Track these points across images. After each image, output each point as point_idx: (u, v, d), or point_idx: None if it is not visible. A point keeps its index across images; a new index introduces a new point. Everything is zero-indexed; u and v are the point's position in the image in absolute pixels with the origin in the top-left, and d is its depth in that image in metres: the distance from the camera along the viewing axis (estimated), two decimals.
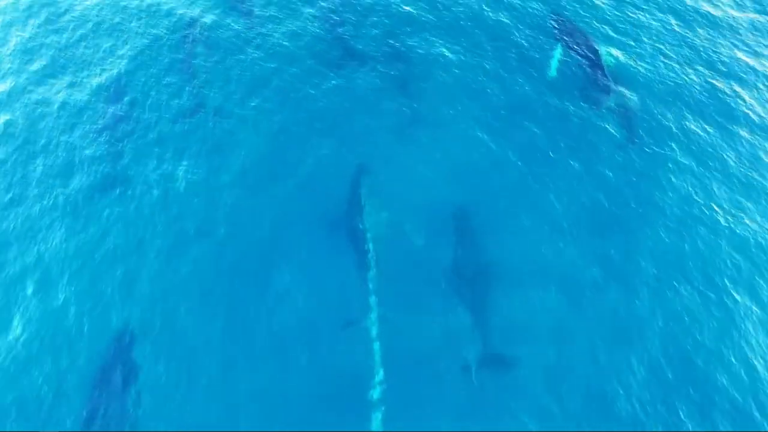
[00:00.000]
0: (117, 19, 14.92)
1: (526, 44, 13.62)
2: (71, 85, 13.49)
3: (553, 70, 12.98)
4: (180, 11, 14.86)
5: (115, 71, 13.60)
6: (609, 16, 14.30)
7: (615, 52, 13.28)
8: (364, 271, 10.10)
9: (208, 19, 14.49)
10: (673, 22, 14.17)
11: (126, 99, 13.00)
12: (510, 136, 12.03)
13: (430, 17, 14.39)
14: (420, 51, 13.58)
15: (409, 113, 12.49)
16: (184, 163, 11.84)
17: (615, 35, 13.78)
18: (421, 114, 12.46)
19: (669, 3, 14.75)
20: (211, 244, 10.64)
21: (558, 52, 13.28)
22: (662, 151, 11.63)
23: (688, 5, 14.60)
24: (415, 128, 12.23)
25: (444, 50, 13.62)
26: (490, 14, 14.32)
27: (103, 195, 11.49)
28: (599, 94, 12.48)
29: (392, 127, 12.29)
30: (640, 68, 13.07)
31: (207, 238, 10.71)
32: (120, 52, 14.06)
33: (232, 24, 14.42)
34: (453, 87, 12.93)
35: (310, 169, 11.60)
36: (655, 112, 12.29)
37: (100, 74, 13.65)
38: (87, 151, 12.19)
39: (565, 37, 13.55)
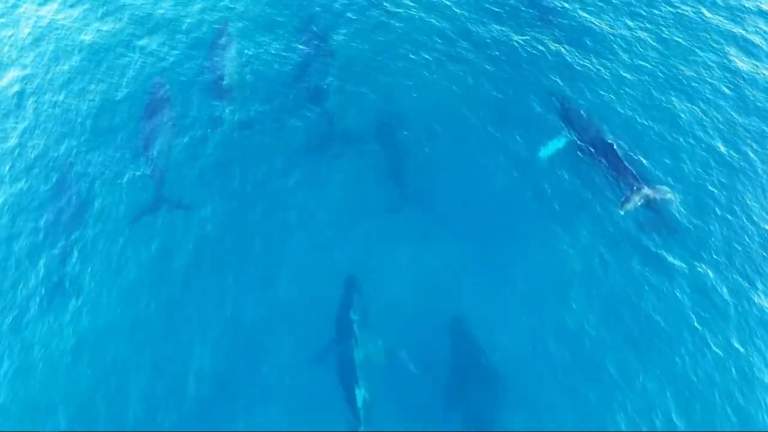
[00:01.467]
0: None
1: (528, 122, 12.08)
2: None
3: (547, 150, 11.49)
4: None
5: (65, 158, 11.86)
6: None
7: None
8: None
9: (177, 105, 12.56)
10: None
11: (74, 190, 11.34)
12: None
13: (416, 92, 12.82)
14: (406, 129, 12.10)
15: (398, 202, 10.99)
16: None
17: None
18: (411, 202, 10.98)
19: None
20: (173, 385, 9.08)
21: (560, 139, 11.67)
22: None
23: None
24: (406, 222, 10.77)
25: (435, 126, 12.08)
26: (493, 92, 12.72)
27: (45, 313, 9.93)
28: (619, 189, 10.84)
29: (382, 223, 10.80)
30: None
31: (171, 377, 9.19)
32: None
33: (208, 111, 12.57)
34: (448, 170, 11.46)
35: (289, 287, 10.01)
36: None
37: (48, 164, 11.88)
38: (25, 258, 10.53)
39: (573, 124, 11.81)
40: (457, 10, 14.19)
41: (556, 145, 11.47)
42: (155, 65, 13.16)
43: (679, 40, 13.42)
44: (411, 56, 13.27)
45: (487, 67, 13.04)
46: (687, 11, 14.10)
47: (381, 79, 12.99)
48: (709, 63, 12.92)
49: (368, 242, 10.61)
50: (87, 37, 14.03)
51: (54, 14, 14.74)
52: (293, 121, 12.22)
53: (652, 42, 13.49)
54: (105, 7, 14.83)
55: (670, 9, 14.22)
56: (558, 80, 12.63)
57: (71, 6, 14.90)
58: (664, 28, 13.78)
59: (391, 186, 11.31)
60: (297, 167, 11.49)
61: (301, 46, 13.48)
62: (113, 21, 14.44)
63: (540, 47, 13.26)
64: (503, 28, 13.76)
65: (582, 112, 11.91)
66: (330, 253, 10.44)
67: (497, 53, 13.26)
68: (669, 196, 10.52)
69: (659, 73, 12.77)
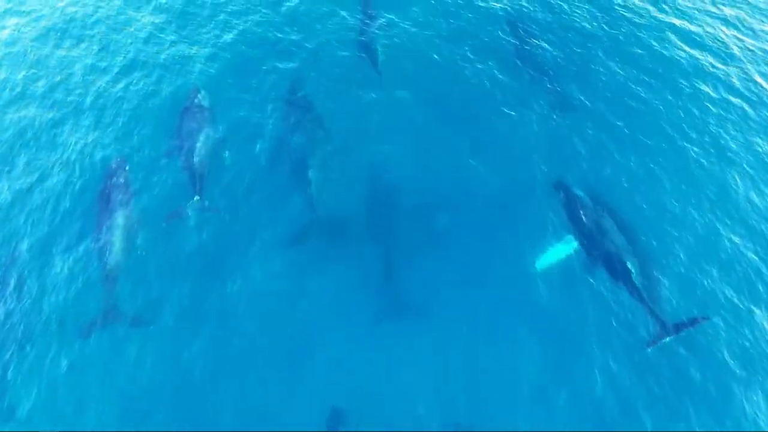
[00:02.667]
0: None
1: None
2: None
3: (548, 259, 9.79)
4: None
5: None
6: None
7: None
8: None
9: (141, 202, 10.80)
10: None
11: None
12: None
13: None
14: (397, 218, 10.66)
15: (387, 307, 9.51)
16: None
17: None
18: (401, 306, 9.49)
19: None
20: None
21: (565, 246, 10.00)
22: None
23: None
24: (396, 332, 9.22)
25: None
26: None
27: None
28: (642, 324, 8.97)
29: (369, 333, 9.27)
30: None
31: None
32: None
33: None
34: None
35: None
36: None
37: None
38: None
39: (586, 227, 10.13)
40: (453, 85, 12.67)
41: (559, 252, 9.80)
42: (111, 142, 11.55)
43: (730, 140, 11.55)
44: (402, 132, 11.78)
45: (483, 146, 11.52)
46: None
47: (373, 158, 11.49)
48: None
49: (353, 359, 9.02)
50: (27, 112, 12.44)
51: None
52: (272, 207, 10.64)
53: (694, 127, 11.74)
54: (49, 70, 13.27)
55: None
56: (566, 169, 11.05)
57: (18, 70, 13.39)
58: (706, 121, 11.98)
59: (379, 288, 9.77)
60: (272, 267, 9.91)
61: (283, 116, 11.96)
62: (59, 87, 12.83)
63: (549, 127, 11.79)
64: (506, 102, 12.26)
65: (592, 212, 10.21)
66: (308, 379, 8.80)
67: (496, 131, 11.77)
68: (704, 323, 8.86)
69: (699, 172, 10.96)
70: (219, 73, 12.66)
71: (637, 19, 14.01)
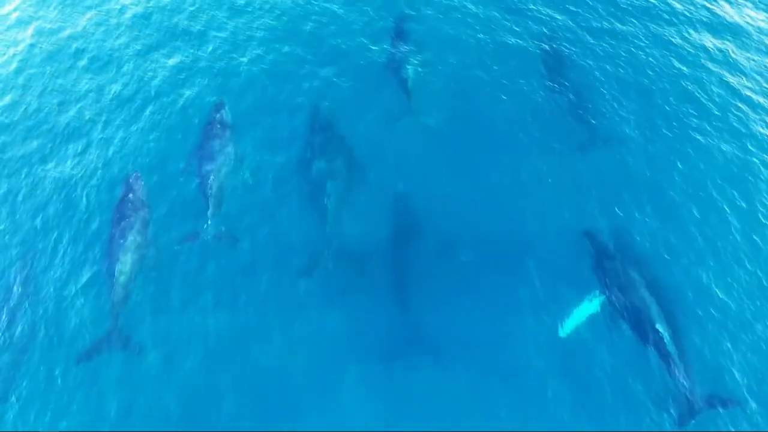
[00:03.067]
0: None
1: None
2: None
3: (567, 327, 9.18)
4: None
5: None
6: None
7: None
8: None
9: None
10: None
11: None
12: None
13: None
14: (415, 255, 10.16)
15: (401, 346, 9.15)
16: None
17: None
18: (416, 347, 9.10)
19: None
20: None
21: (592, 305, 9.46)
22: None
23: None
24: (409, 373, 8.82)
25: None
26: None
27: None
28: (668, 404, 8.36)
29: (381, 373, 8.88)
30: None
31: None
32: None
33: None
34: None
35: None
36: None
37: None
38: None
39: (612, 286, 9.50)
40: (485, 115, 12.14)
41: (584, 312, 9.19)
42: (129, 155, 11.30)
43: None
44: (429, 162, 11.34)
45: (512, 183, 11.02)
46: None
47: (396, 187, 11.08)
48: None
49: (368, 398, 8.64)
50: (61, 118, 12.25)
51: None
52: (288, 235, 10.29)
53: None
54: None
55: None
56: (599, 215, 10.45)
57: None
58: None
59: (394, 326, 9.37)
60: (285, 297, 9.58)
61: (306, 139, 11.61)
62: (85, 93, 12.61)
63: (585, 168, 11.20)
64: (540, 138, 11.68)
65: (621, 267, 9.60)
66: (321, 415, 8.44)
67: (526, 167, 11.19)
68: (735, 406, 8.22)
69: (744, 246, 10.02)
70: (244, 91, 12.34)
71: (696, 54, 13.28)
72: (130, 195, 10.40)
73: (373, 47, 13.06)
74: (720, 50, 13.13)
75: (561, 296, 9.48)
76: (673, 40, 13.48)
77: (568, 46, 13.34)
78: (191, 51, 13.32)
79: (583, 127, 11.82)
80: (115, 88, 12.60)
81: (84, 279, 9.63)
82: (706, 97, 12.20)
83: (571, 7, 14.00)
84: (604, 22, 13.77)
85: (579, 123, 11.92)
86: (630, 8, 14.22)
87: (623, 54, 13.05)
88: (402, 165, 11.37)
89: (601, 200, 10.73)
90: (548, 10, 13.95)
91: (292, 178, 11.06)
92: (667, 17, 14.04)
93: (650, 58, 13.00)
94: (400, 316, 9.50)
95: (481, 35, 13.34)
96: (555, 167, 11.23)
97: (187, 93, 12.25)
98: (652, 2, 14.37)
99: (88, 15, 14.45)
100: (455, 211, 10.85)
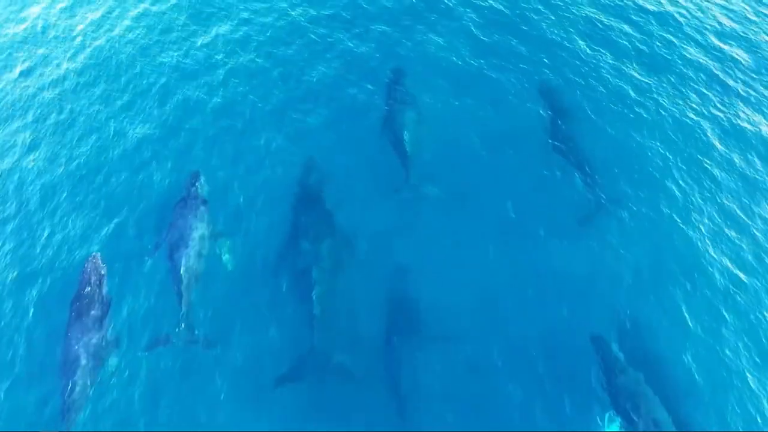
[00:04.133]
0: None
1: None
2: None
3: None
4: None
5: None
6: None
7: None
8: None
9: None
10: None
11: None
12: None
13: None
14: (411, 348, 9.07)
15: None
16: None
17: None
18: None
19: None
20: None
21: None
22: None
23: None
24: None
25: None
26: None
27: None
28: None
29: None
30: None
31: None
32: None
33: None
34: None
35: None
36: None
37: None
38: None
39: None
40: (489, 183, 10.95)
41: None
42: (90, 235, 9.94)
43: None
44: (428, 241, 10.12)
45: (518, 269, 9.84)
46: None
47: (391, 271, 9.89)
48: None
49: None
50: None
51: None
52: (267, 334, 9.06)
53: None
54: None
55: None
56: (613, 316, 9.30)
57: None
58: None
59: None
60: (263, 411, 8.35)
61: (292, 213, 10.37)
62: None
63: (599, 256, 9.99)
64: (552, 219, 10.49)
65: (637, 382, 8.48)
66: None
67: (536, 251, 10.04)
68: None
69: None
70: (223, 156, 11.04)
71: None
72: (88, 286, 9.09)
73: (367, 105, 11.81)
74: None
75: (572, 412, 8.39)
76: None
77: (576, 108, 12.15)
78: (165, 116, 11.99)
79: (592, 198, 10.68)
80: (79, 147, 11.28)
81: (34, 397, 8.36)
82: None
83: (581, 67, 12.78)
84: (616, 81, 12.61)
85: (588, 193, 10.79)
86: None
87: (637, 120, 11.90)
88: (398, 243, 10.17)
89: (614, 296, 9.64)
90: (554, 70, 12.77)
91: (277, 261, 9.84)
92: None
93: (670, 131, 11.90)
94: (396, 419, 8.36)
95: (483, 93, 12.19)
96: (564, 252, 10.07)
97: (156, 163, 10.95)
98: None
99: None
100: (457, 297, 9.68)
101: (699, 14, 14.01)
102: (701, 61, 12.91)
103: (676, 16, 13.98)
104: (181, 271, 9.15)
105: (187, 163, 10.85)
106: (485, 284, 9.73)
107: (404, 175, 10.81)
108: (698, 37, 13.37)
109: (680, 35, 13.50)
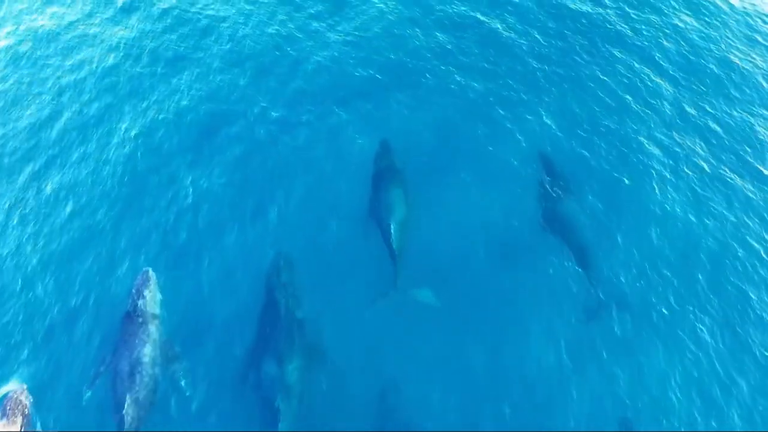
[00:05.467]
0: None
1: None
2: None
3: None
4: None
5: None
6: None
7: None
8: None
9: None
10: None
11: None
12: None
13: None
14: None
15: None
16: None
17: None
18: None
19: None
20: None
21: None
22: None
23: None
24: None
25: None
26: None
27: None
28: None
29: None
30: None
31: None
32: None
33: None
34: None
35: None
36: None
37: None
38: None
39: None
40: (486, 283, 9.61)
41: None
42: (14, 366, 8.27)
43: None
44: (418, 349, 8.75)
45: (518, 380, 8.65)
46: None
47: (375, 384, 8.55)
48: None
49: None
50: None
51: None
52: None
53: None
54: None
55: None
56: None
57: None
58: None
59: None
60: None
61: (259, 320, 8.87)
62: None
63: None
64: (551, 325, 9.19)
65: None
66: None
67: (537, 361, 8.79)
68: None
69: None
70: (178, 255, 9.47)
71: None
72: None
73: (351, 195, 10.29)
74: None
75: None
76: None
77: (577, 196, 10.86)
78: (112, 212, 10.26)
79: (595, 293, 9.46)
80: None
81: None
82: None
83: (586, 153, 11.43)
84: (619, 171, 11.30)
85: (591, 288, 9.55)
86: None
87: (642, 209, 10.68)
88: (384, 362, 8.77)
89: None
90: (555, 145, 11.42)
91: (238, 387, 8.36)
92: None
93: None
94: None
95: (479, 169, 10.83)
96: (567, 365, 8.84)
97: (104, 262, 9.28)
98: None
99: None
100: (449, 411, 8.41)
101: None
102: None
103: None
104: (127, 404, 7.61)
105: (134, 264, 9.21)
106: (483, 393, 8.52)
107: (392, 274, 9.41)
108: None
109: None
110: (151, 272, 8.94)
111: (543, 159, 11.09)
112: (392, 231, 9.61)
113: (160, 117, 11.36)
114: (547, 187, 10.69)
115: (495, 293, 9.53)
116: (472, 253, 9.88)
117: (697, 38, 13.37)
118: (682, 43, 13.26)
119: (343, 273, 9.44)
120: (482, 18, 13.50)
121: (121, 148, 10.86)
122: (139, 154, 10.80)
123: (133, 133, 11.09)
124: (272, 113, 11.53)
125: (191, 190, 10.25)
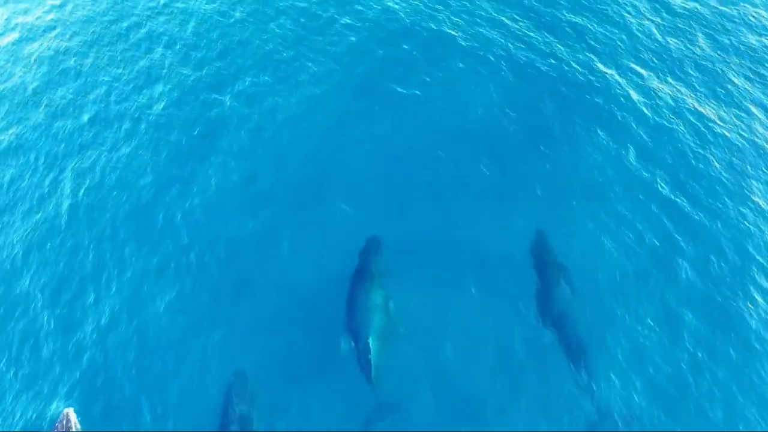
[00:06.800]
0: None
1: None
2: None
3: None
4: None
5: None
6: None
7: None
8: None
9: None
10: None
11: None
12: None
13: None
14: None
15: None
16: None
17: None
18: None
19: None
20: None
21: None
22: None
23: None
24: None
25: None
26: None
27: None
28: None
29: None
30: None
31: None
32: None
33: None
34: None
35: None
36: None
37: None
38: None
39: None
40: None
41: None
42: None
43: None
44: None
45: None
46: None
47: None
48: None
49: None
50: None
51: None
52: None
53: None
54: None
55: None
56: None
57: None
58: None
59: None
60: None
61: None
62: None
63: None
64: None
65: None
66: None
67: None
68: None
69: None
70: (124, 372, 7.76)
71: None
72: None
73: (322, 300, 9.03)
74: None
75: None
76: None
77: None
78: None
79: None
80: None
81: None
82: None
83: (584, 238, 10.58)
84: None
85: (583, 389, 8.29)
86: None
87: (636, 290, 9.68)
88: None
89: None
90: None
91: None
92: None
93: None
94: None
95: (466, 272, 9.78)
96: None
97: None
98: None
99: None
100: None
101: None
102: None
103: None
104: None
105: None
106: None
107: (372, 395, 7.91)
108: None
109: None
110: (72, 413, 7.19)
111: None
112: (370, 346, 8.28)
113: None
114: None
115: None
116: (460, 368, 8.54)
117: None
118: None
119: (315, 393, 7.95)
120: None
121: None
122: None
123: None
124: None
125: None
